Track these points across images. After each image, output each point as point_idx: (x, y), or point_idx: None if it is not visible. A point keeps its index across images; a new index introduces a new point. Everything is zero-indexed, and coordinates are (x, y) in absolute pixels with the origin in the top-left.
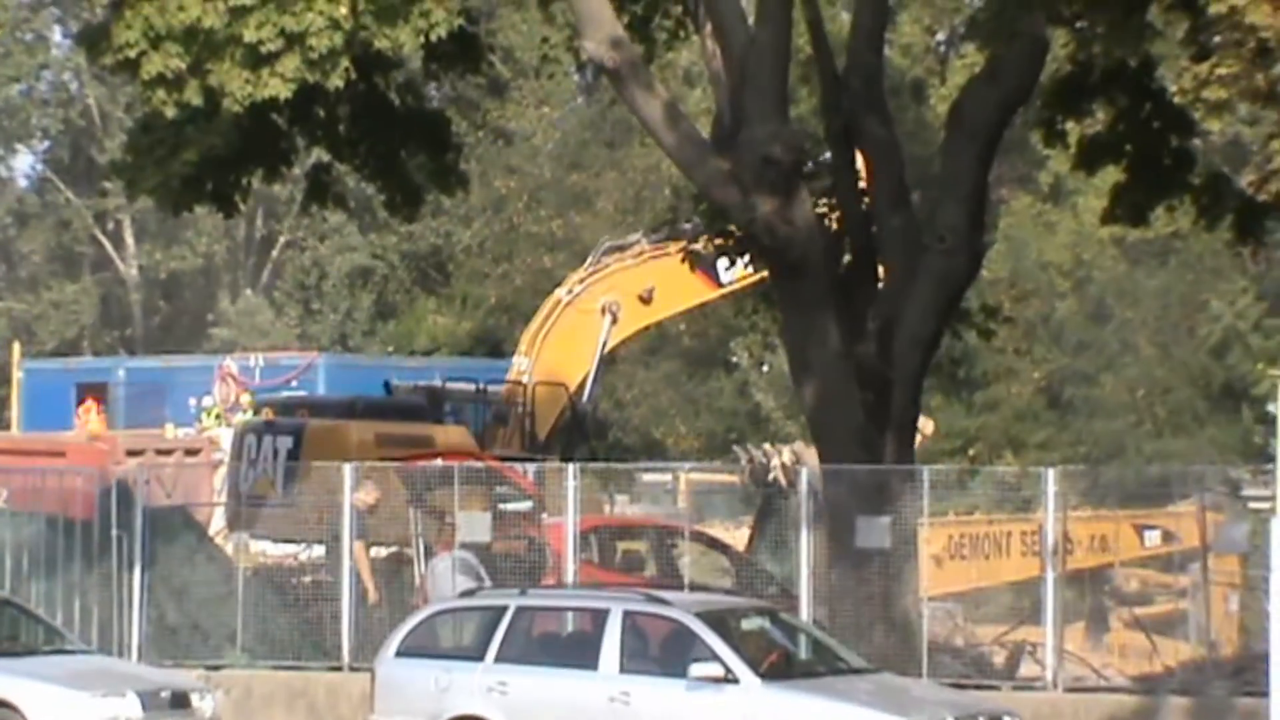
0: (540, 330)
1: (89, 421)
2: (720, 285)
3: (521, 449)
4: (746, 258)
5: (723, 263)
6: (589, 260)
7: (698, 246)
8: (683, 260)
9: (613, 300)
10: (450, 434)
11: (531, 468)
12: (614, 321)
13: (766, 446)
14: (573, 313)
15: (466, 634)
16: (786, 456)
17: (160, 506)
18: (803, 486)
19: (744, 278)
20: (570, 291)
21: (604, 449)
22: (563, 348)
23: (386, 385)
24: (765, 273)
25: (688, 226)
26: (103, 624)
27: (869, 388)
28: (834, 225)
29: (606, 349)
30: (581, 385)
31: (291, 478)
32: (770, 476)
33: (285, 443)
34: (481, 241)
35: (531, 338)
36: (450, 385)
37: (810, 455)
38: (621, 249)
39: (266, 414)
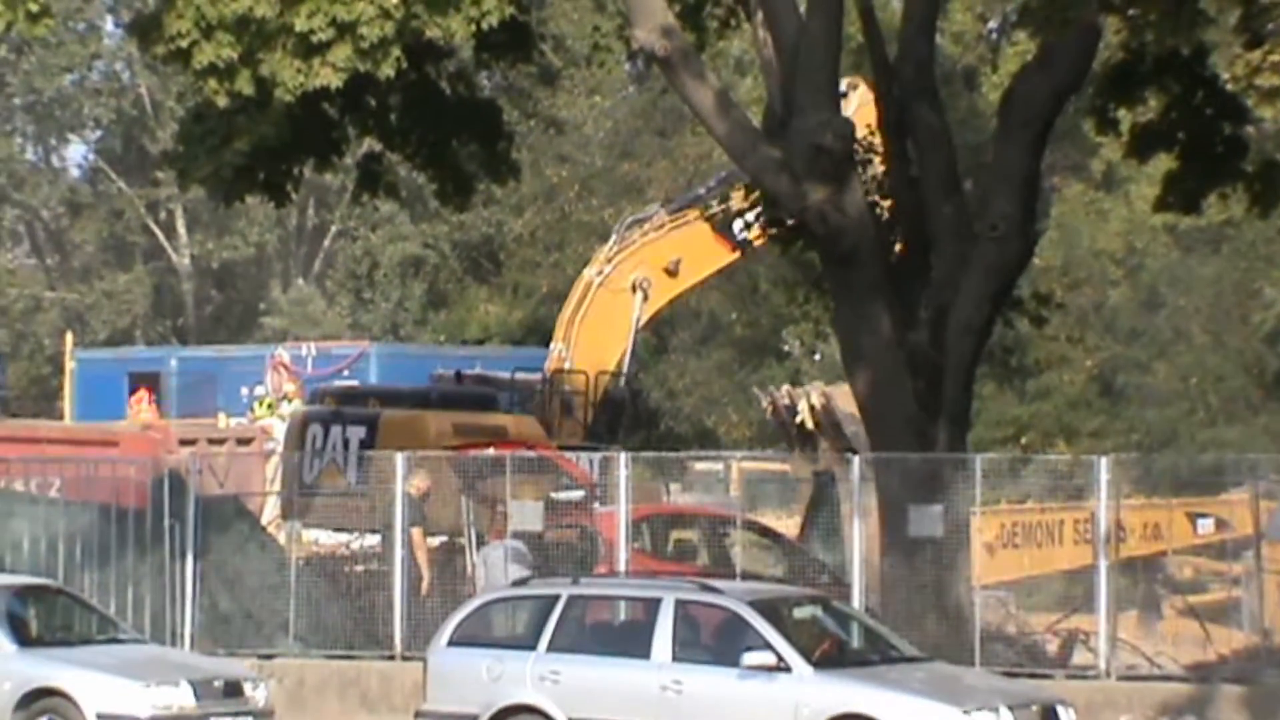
0: (575, 315)
1: (141, 411)
2: (737, 245)
3: (585, 437)
4: (760, 215)
5: (738, 224)
6: (613, 237)
7: (717, 209)
8: (708, 222)
9: (642, 276)
10: (522, 424)
11: (585, 456)
12: (645, 298)
13: (788, 388)
14: (605, 293)
15: (519, 623)
16: (815, 398)
17: (213, 496)
18: (854, 474)
19: (758, 237)
20: (600, 272)
21: (656, 438)
22: (599, 330)
23: (459, 374)
24: (776, 230)
25: (703, 192)
26: (155, 613)
27: (921, 376)
28: (885, 214)
29: (640, 326)
30: (619, 367)
31: (364, 467)
32: (798, 419)
33: (358, 432)
34: (533, 230)
35: (566, 323)
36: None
37: (841, 397)
38: (642, 222)
39: (329, 403)
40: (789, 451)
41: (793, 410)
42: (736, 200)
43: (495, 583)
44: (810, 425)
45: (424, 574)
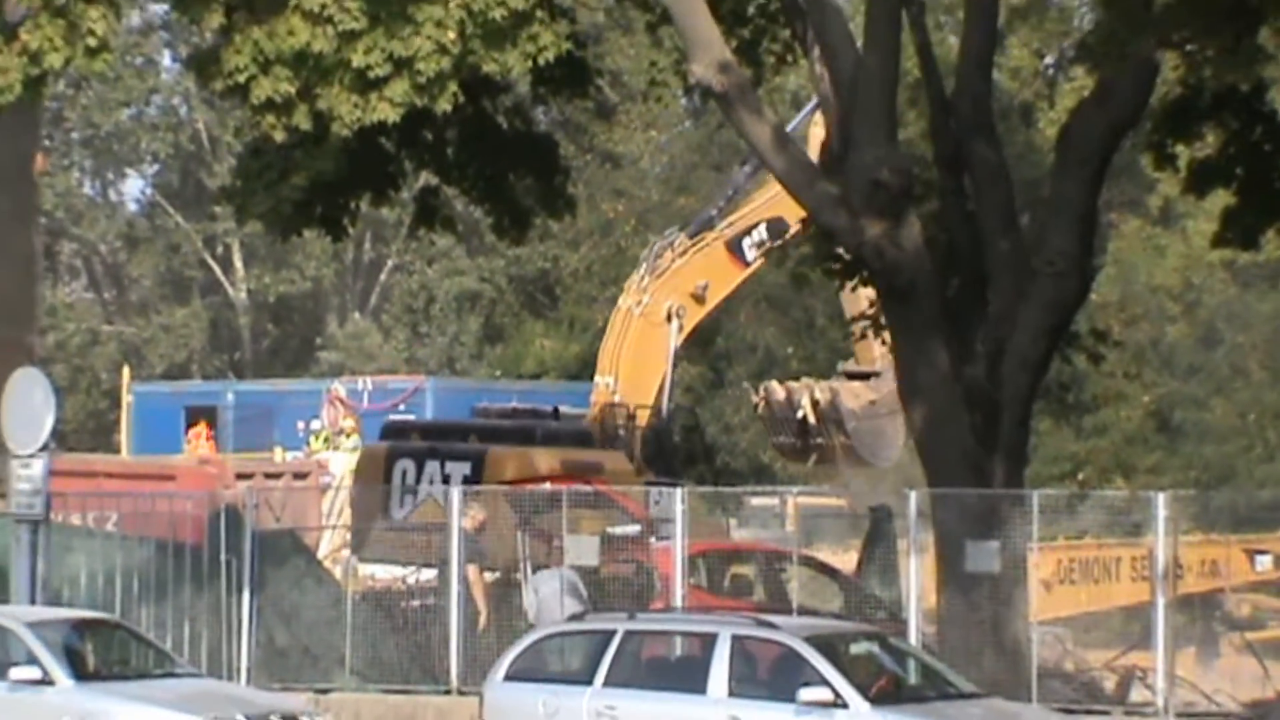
0: (619, 347)
1: (199, 445)
2: (747, 264)
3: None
4: (765, 232)
5: (746, 242)
6: (643, 265)
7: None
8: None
9: (677, 304)
10: (616, 460)
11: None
12: (680, 327)
13: (787, 383)
14: (645, 324)
15: (575, 658)
16: (819, 393)
17: (269, 530)
18: (911, 510)
19: (762, 255)
20: (639, 302)
21: (711, 473)
22: (640, 362)
23: (556, 411)
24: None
25: (714, 213)
26: (212, 647)
27: (978, 411)
28: (943, 249)
29: (677, 355)
30: (660, 398)
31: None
32: (799, 414)
33: (460, 468)
34: (589, 265)
35: (611, 355)
36: (521, 406)
37: (844, 393)
38: (671, 246)
39: (414, 438)
40: (781, 444)
41: (793, 405)
42: (744, 219)
43: (548, 613)
44: (812, 419)
45: (481, 610)
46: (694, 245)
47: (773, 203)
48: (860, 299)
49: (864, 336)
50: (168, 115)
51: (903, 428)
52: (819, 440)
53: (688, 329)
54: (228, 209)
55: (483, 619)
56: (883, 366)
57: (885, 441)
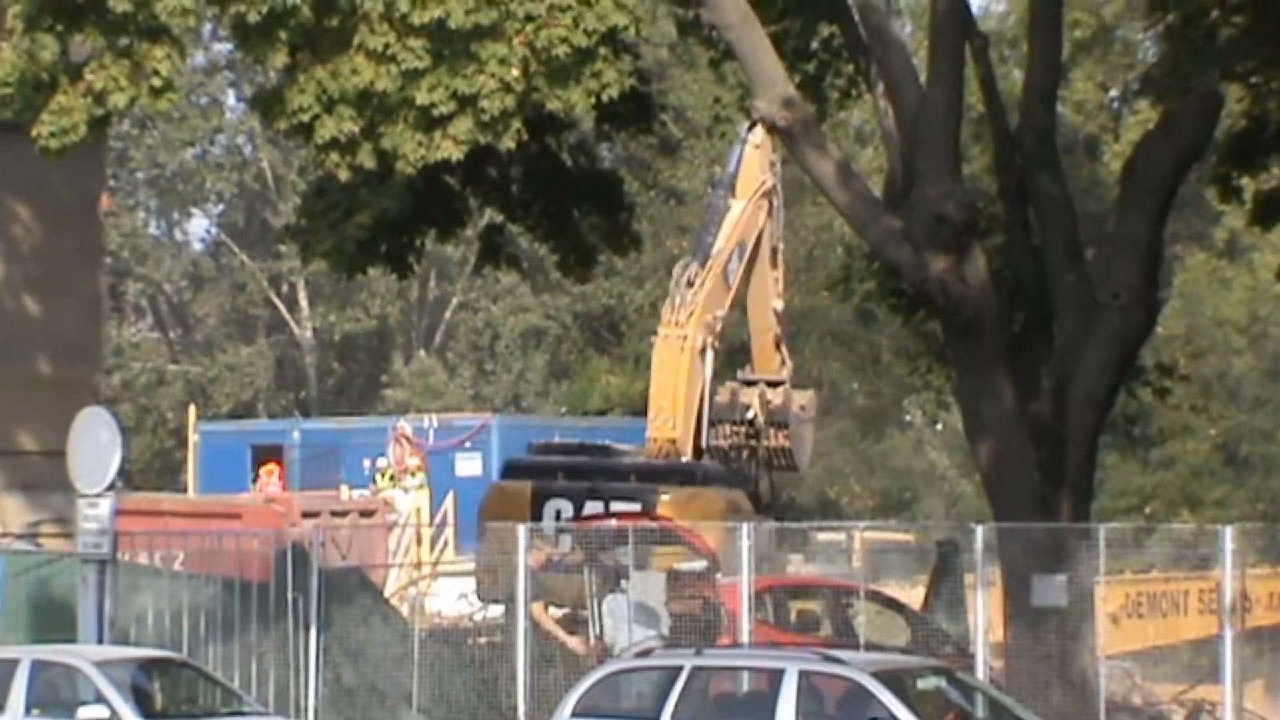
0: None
1: (269, 484)
2: (729, 290)
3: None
4: (737, 256)
5: (730, 266)
6: (676, 297)
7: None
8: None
9: (708, 336)
10: (743, 499)
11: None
12: (715, 356)
13: (732, 385)
14: (689, 358)
15: (642, 694)
16: (772, 395)
17: (336, 568)
18: (978, 544)
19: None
20: (685, 336)
21: (778, 508)
22: (691, 396)
23: (606, 448)
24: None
25: (710, 239)
26: (279, 685)
27: (1044, 446)
28: (1008, 283)
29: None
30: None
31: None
32: (750, 414)
33: (632, 508)
34: (654, 301)
35: (668, 390)
36: (556, 442)
37: (799, 398)
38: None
39: (559, 477)
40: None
41: (735, 406)
42: (725, 245)
43: (619, 638)
44: (762, 421)
45: (565, 640)
46: (703, 274)
47: (739, 227)
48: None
49: (778, 346)
50: (232, 154)
51: (813, 434)
52: (762, 442)
53: (716, 363)
54: (293, 247)
55: (574, 643)
56: (786, 375)
57: (807, 447)
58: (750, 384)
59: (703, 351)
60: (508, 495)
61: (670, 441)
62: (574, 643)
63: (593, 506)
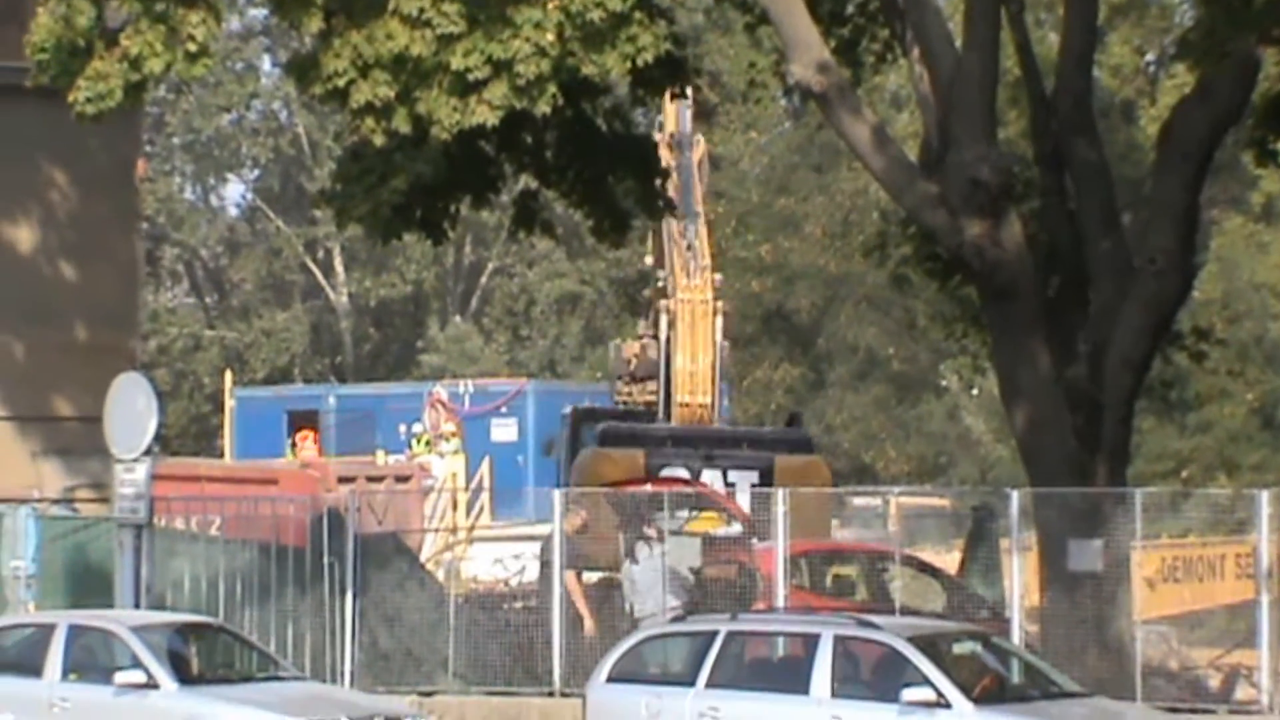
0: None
1: (305, 449)
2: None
3: None
4: None
5: None
6: (686, 260)
7: None
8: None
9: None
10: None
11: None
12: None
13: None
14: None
15: (677, 659)
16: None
17: (372, 533)
18: (1013, 509)
19: None
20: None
21: None
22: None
23: (795, 417)
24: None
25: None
26: (315, 651)
27: (1080, 411)
28: (1044, 248)
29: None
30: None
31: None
32: (631, 367)
33: (748, 477)
34: None
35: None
36: (597, 407)
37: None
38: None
39: (668, 444)
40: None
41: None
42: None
43: (647, 603)
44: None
45: (585, 616)
46: (700, 235)
47: (702, 183)
48: None
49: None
50: (268, 120)
51: None
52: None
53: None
54: (328, 213)
55: (587, 624)
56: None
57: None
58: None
59: (714, 314)
60: (618, 463)
61: (703, 407)
62: (589, 624)
63: (710, 474)
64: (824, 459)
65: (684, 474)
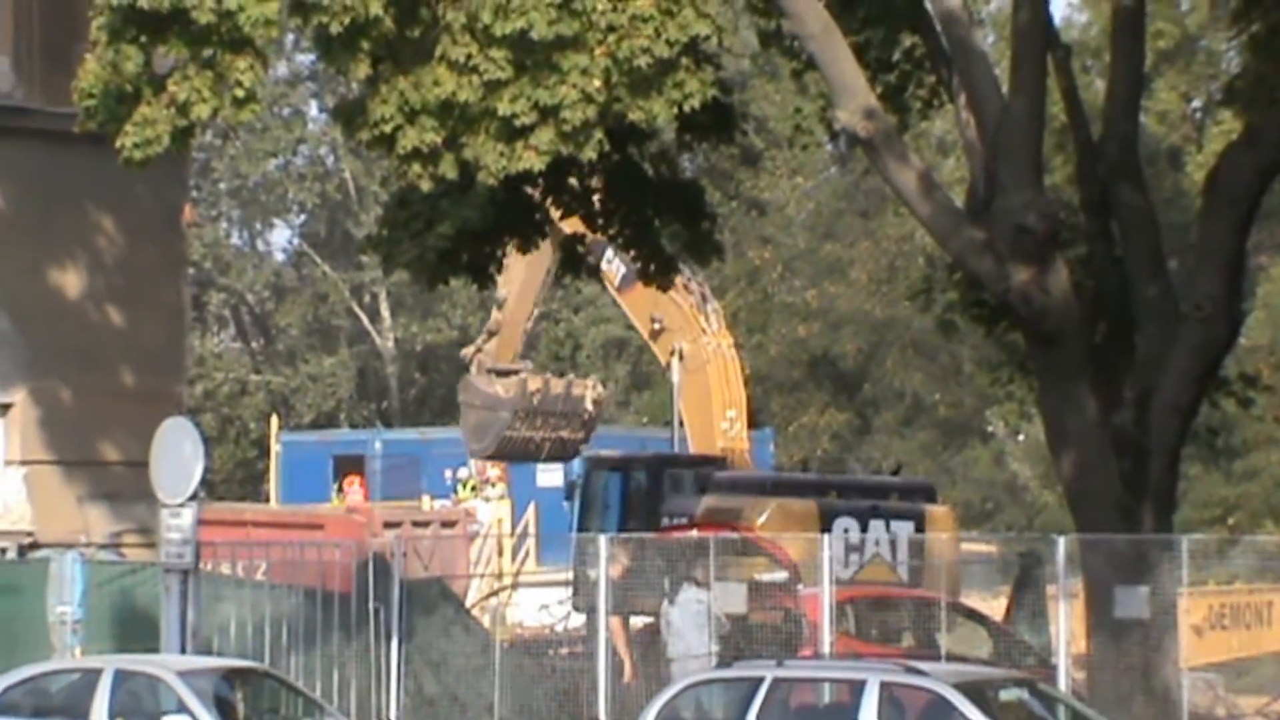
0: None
1: (352, 495)
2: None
3: None
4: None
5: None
6: (708, 306)
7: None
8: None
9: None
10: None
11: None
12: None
13: (551, 377)
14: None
15: (723, 705)
16: (592, 389)
17: (417, 578)
18: (1060, 555)
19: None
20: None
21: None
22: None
23: (897, 469)
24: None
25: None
26: (361, 695)
27: (1126, 457)
28: (1090, 294)
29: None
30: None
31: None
32: (590, 408)
33: (905, 527)
34: (735, 312)
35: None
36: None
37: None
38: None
39: (832, 495)
40: (528, 436)
41: (571, 400)
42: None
43: (683, 644)
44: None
45: (625, 661)
46: (700, 283)
47: None
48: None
49: (490, 336)
50: (314, 165)
51: None
52: (568, 434)
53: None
54: (374, 258)
55: (627, 671)
56: (521, 365)
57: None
58: (503, 374)
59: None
60: (794, 513)
61: (736, 451)
62: (628, 670)
63: (876, 525)
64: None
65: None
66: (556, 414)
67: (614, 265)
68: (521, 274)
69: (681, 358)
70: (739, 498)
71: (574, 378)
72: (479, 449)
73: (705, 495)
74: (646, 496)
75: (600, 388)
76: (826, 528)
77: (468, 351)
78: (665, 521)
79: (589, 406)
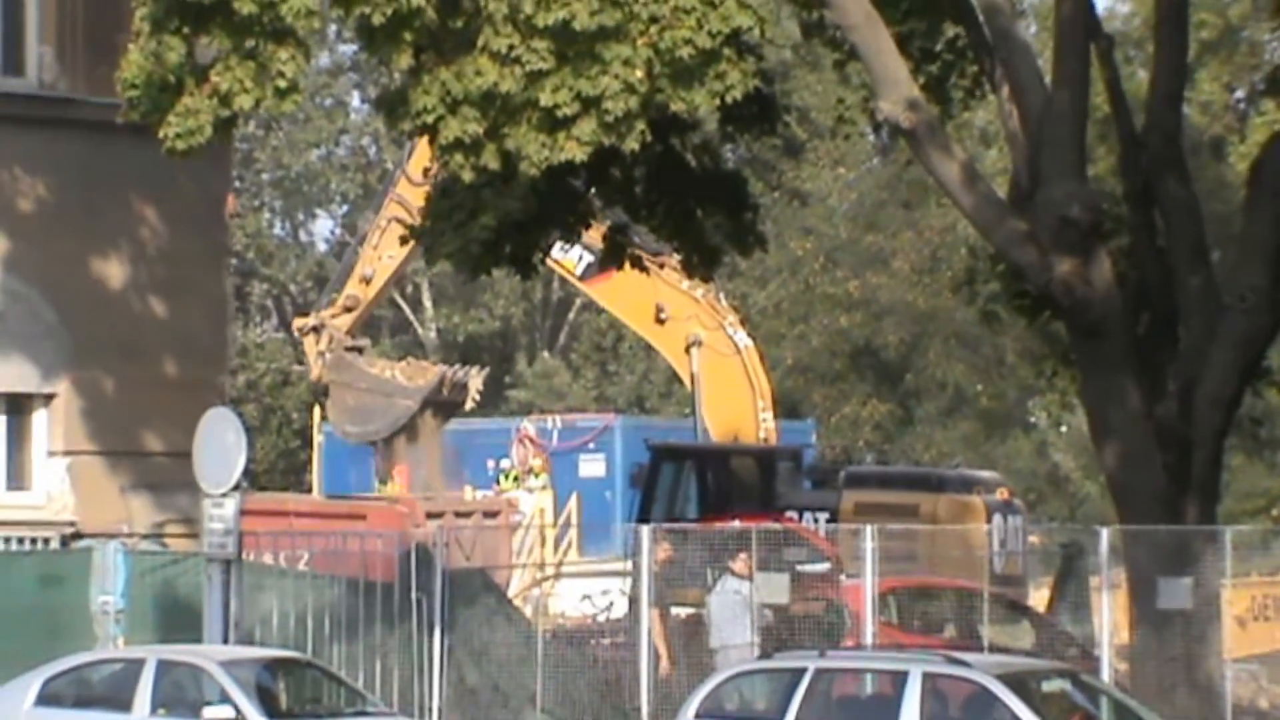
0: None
1: (396, 485)
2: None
3: None
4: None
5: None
6: (722, 299)
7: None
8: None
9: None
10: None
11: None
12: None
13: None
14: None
15: (765, 696)
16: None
17: (459, 568)
18: (1103, 547)
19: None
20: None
21: None
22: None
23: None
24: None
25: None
26: (403, 686)
27: (1170, 449)
28: (1133, 285)
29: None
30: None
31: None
32: (473, 395)
33: (1016, 521)
34: (778, 303)
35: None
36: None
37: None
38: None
39: (1002, 494)
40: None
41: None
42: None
43: (724, 635)
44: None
45: (662, 654)
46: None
47: None
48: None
49: (346, 310)
50: (356, 156)
51: None
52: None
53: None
54: (417, 249)
55: (664, 664)
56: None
57: None
58: (356, 349)
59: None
60: (967, 509)
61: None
62: (664, 662)
63: (1013, 520)
64: None
65: None
66: (448, 403)
67: (571, 254)
68: (400, 256)
69: (699, 347)
70: (898, 493)
71: (462, 368)
72: (362, 432)
73: (846, 490)
74: (717, 486)
75: (480, 380)
76: (988, 521)
77: (303, 321)
78: (790, 515)
79: (475, 397)
